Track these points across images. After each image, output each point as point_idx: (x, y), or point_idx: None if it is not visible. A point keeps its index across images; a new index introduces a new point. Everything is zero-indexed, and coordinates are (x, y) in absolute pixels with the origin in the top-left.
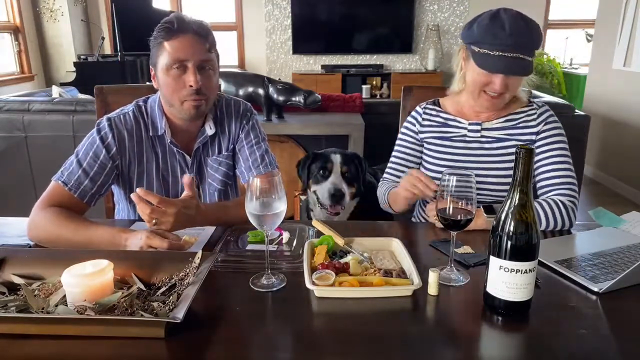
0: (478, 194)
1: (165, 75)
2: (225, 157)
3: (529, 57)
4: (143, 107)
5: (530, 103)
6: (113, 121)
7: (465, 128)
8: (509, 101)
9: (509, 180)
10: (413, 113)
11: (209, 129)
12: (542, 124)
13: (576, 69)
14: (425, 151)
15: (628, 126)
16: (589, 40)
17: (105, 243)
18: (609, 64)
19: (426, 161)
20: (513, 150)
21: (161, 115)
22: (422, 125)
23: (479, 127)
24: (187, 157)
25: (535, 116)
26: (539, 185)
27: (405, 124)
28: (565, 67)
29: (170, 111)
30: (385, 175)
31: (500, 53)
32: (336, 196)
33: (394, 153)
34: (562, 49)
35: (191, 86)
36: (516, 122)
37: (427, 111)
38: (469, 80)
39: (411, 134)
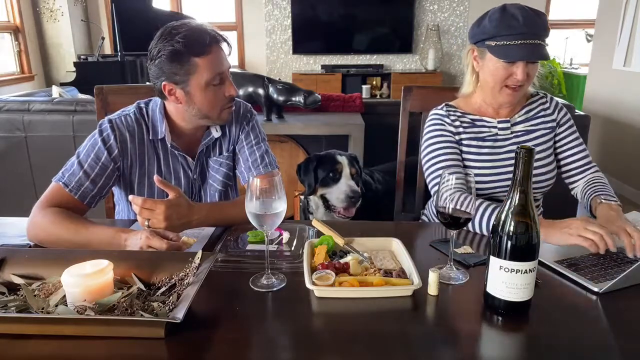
0: (506, 191)
1: (204, 92)
2: (225, 157)
3: (544, 42)
4: (144, 110)
5: (536, 93)
6: (115, 123)
7: (495, 127)
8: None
9: (544, 170)
10: (436, 116)
11: (215, 132)
12: (557, 111)
13: (576, 69)
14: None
15: (628, 126)
16: (589, 40)
17: (105, 243)
18: (609, 64)
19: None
20: (541, 140)
21: (162, 119)
22: (454, 126)
23: (508, 125)
24: (190, 160)
25: (547, 104)
26: (569, 167)
27: (434, 127)
28: (565, 67)
29: (193, 121)
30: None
31: (521, 41)
32: (353, 197)
33: (435, 157)
34: (562, 49)
35: (231, 95)
36: (535, 112)
37: (451, 112)
38: (488, 77)
39: (447, 133)
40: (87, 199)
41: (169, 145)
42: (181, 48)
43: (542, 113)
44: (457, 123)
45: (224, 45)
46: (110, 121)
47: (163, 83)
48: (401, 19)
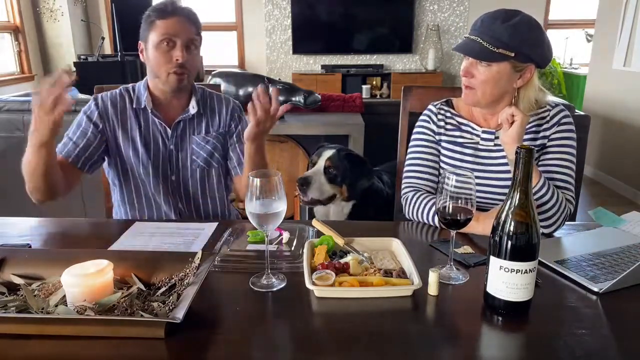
0: (486, 204)
1: (154, 50)
2: (213, 137)
3: (489, 45)
4: (130, 87)
5: (546, 106)
6: (99, 97)
7: (479, 135)
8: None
9: None
10: (426, 112)
11: (192, 109)
12: (556, 125)
13: (576, 69)
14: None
15: (628, 126)
16: (589, 40)
17: (34, 127)
18: (609, 64)
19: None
20: None
21: (144, 90)
22: (437, 126)
23: (492, 137)
24: (168, 130)
25: (548, 118)
26: None
27: (420, 123)
28: (565, 67)
29: (155, 83)
30: (407, 181)
31: (467, 35)
32: (300, 183)
33: (412, 155)
34: (562, 49)
35: (177, 60)
36: (527, 128)
37: (442, 112)
38: None
39: (429, 132)
40: (72, 157)
41: (150, 111)
42: (151, 11)
43: (535, 129)
44: (442, 123)
45: (188, 21)
46: (94, 97)
47: (139, 43)
48: (401, 19)
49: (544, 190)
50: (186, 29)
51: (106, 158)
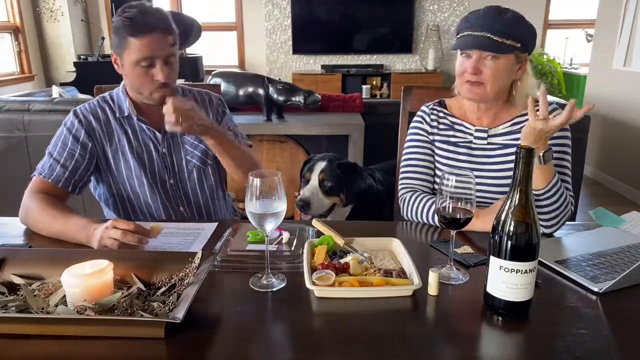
0: (482, 202)
1: (133, 69)
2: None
3: (498, 38)
4: (107, 96)
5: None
6: (79, 110)
7: (472, 134)
8: (512, 104)
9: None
10: (420, 113)
11: None
12: None
13: (576, 69)
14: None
15: (628, 126)
16: (589, 40)
17: (77, 232)
18: (609, 64)
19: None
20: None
21: (124, 97)
22: (431, 126)
23: (485, 134)
24: (158, 134)
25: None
26: None
27: (413, 124)
28: (565, 67)
29: (137, 96)
30: (403, 182)
31: (468, 32)
32: (300, 205)
33: (407, 156)
34: (562, 49)
35: (159, 80)
36: (520, 126)
37: (435, 112)
38: (456, 73)
39: (423, 133)
40: (62, 182)
41: (135, 119)
42: (121, 25)
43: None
44: (435, 124)
45: (163, 35)
46: (74, 111)
47: (112, 52)
48: (401, 19)
49: (556, 188)
50: (163, 45)
51: (93, 177)
